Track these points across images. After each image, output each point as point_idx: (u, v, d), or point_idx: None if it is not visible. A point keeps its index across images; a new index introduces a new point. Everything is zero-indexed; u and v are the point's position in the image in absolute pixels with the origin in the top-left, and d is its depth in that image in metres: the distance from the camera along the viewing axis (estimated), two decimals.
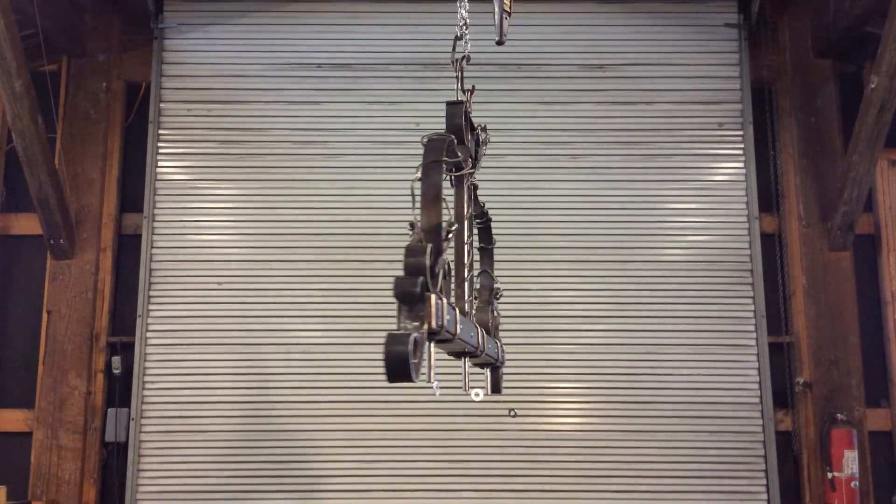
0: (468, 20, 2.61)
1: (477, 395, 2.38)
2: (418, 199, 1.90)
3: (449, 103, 2.27)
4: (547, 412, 6.06)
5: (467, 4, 2.65)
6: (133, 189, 6.41)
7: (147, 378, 6.08)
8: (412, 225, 1.81)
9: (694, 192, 6.36)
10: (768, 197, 6.41)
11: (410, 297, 1.61)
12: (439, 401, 5.13)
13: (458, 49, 2.50)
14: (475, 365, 2.62)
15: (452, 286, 2.26)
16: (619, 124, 6.42)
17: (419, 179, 1.88)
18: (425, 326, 1.62)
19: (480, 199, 2.68)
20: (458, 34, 2.54)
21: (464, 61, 2.52)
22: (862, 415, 6.06)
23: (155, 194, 6.31)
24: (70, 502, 5.92)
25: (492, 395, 2.53)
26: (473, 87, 2.46)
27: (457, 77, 2.47)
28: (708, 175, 6.40)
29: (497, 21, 2.54)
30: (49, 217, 5.97)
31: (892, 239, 6.44)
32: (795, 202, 6.35)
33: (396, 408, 5.99)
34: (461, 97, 2.36)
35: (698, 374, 6.09)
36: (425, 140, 1.95)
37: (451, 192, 2.69)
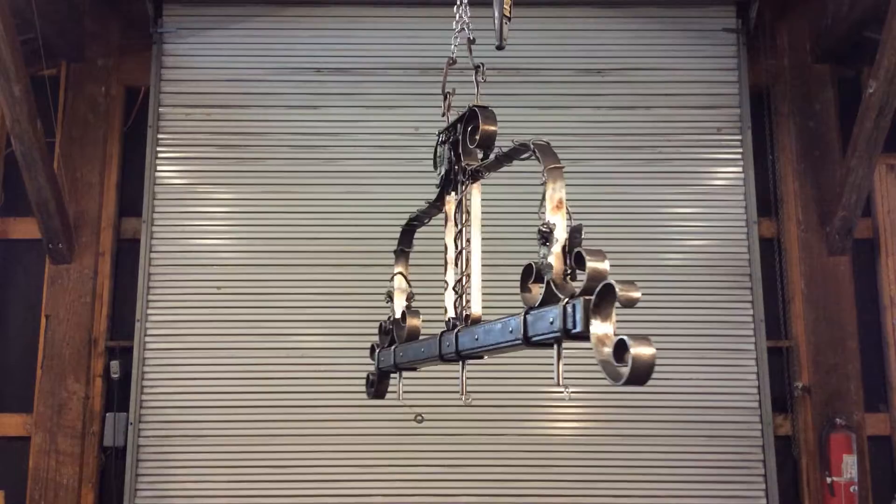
0: (469, 24, 2.63)
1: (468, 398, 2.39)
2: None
3: (480, 107, 2.29)
4: (544, 417, 6.06)
5: (468, 9, 2.67)
6: (132, 193, 6.41)
7: (146, 382, 6.07)
8: (580, 229, 1.79)
9: (692, 197, 6.35)
10: (767, 201, 6.41)
11: (634, 302, 1.56)
12: (439, 405, 5.12)
13: (447, 52, 2.52)
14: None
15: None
16: (618, 129, 6.42)
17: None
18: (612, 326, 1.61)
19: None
20: (472, 38, 2.56)
21: (454, 64, 2.54)
22: (861, 419, 6.06)
23: (154, 199, 6.30)
24: None
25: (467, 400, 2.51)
26: (454, 90, 2.49)
27: (475, 82, 2.48)
28: (706, 179, 6.40)
29: (497, 26, 2.54)
30: (48, 221, 5.97)
31: (890, 243, 6.44)
32: (794, 206, 6.35)
33: (396, 412, 5.95)
34: (478, 101, 2.38)
35: (697, 379, 6.08)
36: (532, 145, 1.96)
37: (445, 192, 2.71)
